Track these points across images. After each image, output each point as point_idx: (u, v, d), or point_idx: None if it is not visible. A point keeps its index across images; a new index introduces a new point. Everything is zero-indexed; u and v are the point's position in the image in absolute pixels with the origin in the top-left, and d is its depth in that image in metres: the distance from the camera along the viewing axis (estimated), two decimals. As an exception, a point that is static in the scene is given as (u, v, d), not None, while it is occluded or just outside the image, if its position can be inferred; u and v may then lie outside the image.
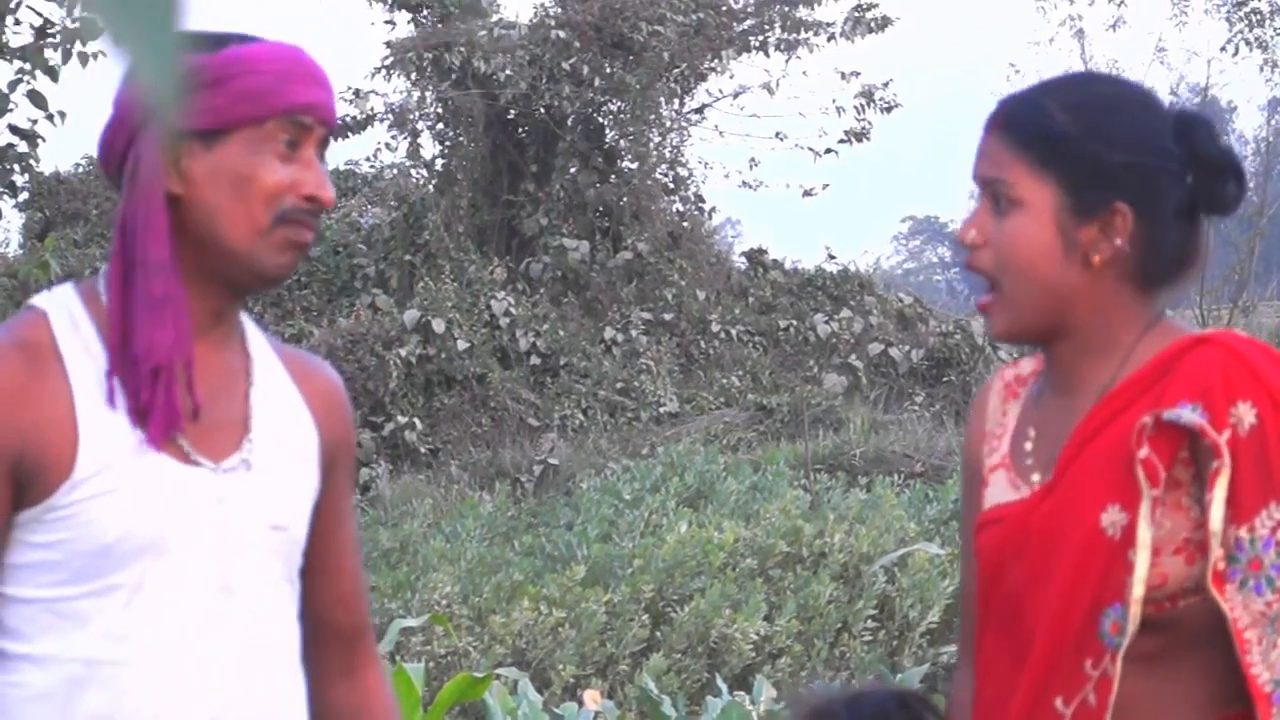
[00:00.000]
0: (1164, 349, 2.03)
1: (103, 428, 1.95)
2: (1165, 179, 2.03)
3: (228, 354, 2.07)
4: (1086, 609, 1.99)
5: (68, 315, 2.01)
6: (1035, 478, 2.11)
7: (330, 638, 2.22)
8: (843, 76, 18.93)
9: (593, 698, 6.30)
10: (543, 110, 17.76)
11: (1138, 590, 1.95)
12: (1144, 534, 1.95)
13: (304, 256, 2.05)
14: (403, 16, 18.22)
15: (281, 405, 2.11)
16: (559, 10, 17.91)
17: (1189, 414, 1.95)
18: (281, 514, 2.07)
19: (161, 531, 1.97)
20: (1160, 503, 1.96)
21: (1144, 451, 1.96)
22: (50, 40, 7.83)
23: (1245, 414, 1.94)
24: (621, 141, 18.12)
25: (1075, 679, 2.00)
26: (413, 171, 18.06)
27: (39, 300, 2.04)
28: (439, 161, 18.15)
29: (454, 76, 17.46)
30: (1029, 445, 2.14)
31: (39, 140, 7.98)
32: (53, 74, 7.84)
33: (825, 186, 19.76)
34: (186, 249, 1.99)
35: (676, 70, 18.13)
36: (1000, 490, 2.15)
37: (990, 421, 2.22)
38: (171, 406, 1.95)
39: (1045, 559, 2.04)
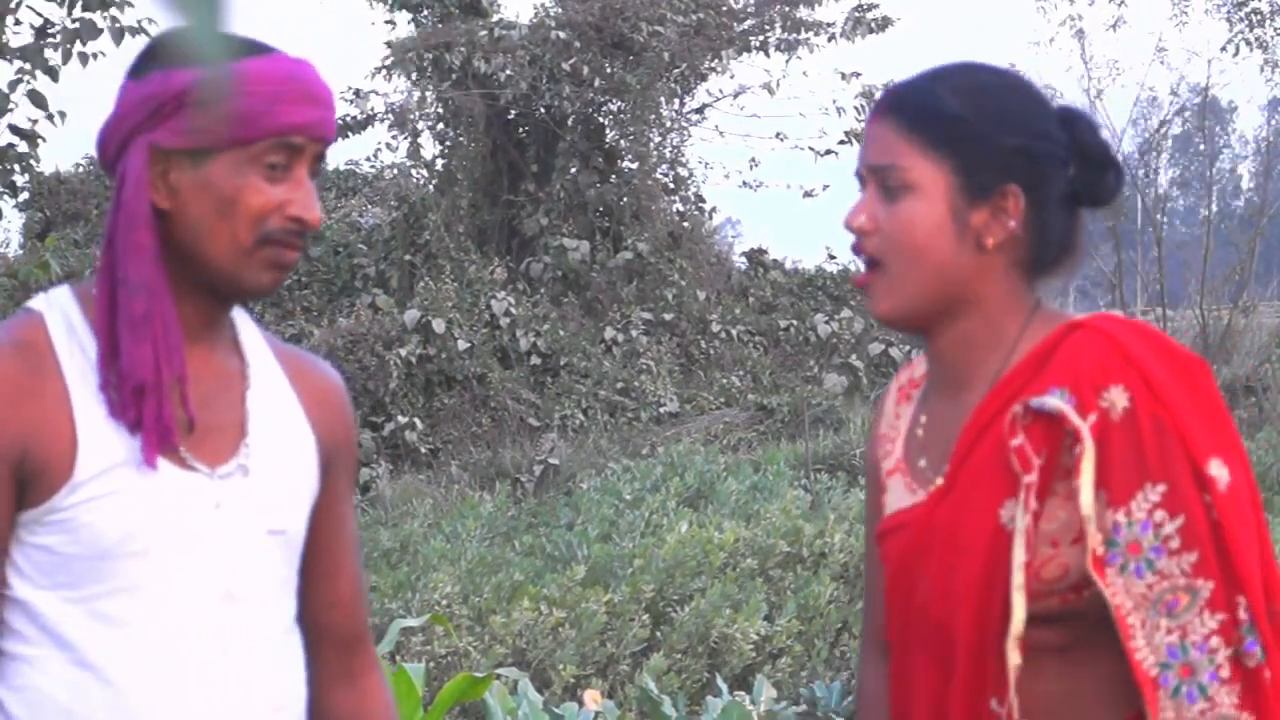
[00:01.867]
0: (1045, 337, 2.02)
1: (101, 431, 1.95)
2: (1052, 165, 2.02)
3: (222, 357, 2.06)
4: (1001, 606, 1.97)
5: (63, 317, 2.00)
6: (928, 481, 2.09)
7: (328, 641, 2.20)
8: (843, 77, 18.94)
9: (593, 698, 6.30)
10: (543, 110, 17.77)
11: (1017, 578, 1.93)
12: (1020, 521, 1.94)
13: (288, 274, 2.04)
14: (403, 16, 18.24)
15: (278, 407, 2.09)
16: (559, 10, 17.91)
17: (1054, 400, 1.94)
18: (280, 518, 2.06)
19: (160, 536, 1.96)
20: (1052, 493, 1.95)
21: (1017, 440, 1.95)
22: (50, 40, 7.82)
23: (1118, 398, 1.93)
24: (622, 141, 18.12)
25: (1004, 676, 1.97)
26: (413, 171, 18.07)
27: (35, 302, 2.04)
28: (439, 161, 18.16)
29: (454, 76, 17.46)
30: (919, 447, 2.12)
31: (39, 140, 7.98)
32: (53, 74, 7.83)
33: (826, 187, 19.77)
34: (173, 261, 1.98)
35: (677, 70, 18.14)
36: (898, 495, 2.13)
37: (885, 425, 2.20)
38: (162, 423, 1.95)
39: (952, 562, 2.01)
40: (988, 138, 2.01)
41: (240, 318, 2.12)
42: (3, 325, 2.02)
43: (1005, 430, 1.96)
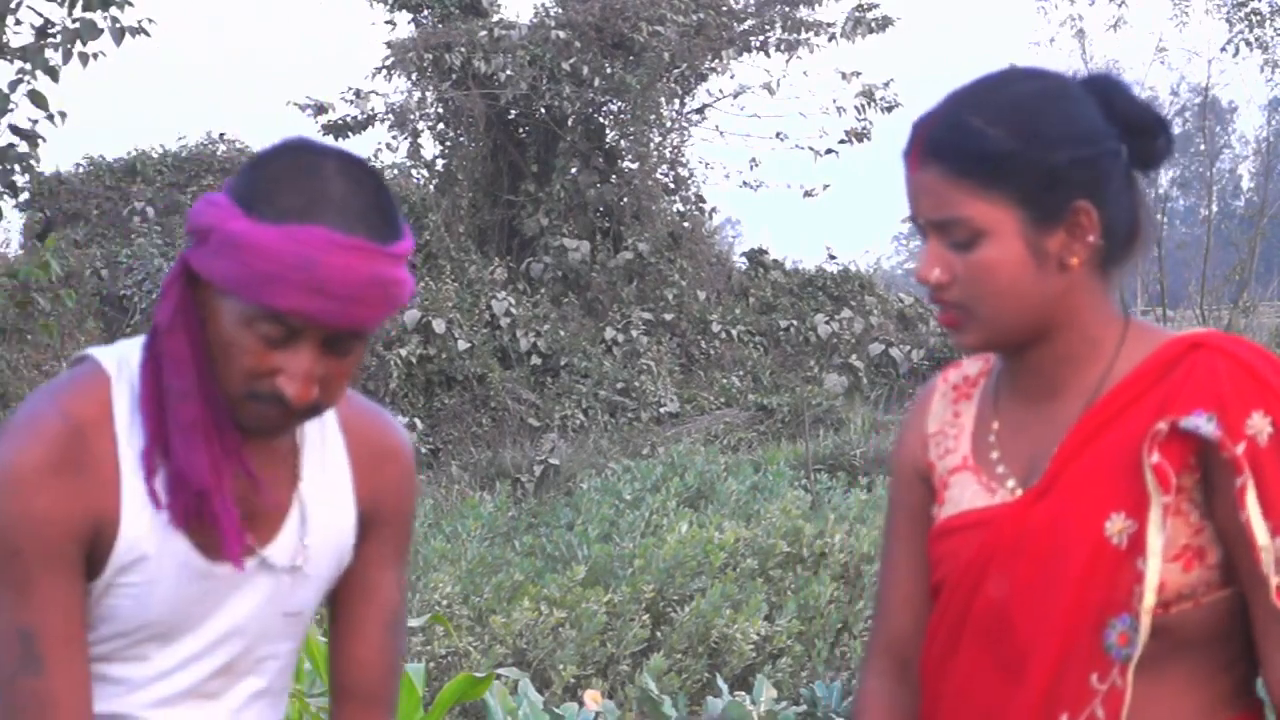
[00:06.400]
0: (1155, 350, 1.98)
1: (140, 514, 1.93)
2: (1109, 160, 1.96)
3: (272, 448, 2.02)
4: (1092, 620, 1.93)
5: (129, 385, 1.96)
6: (1011, 483, 2.03)
7: (343, 698, 2.20)
8: (843, 76, 18.94)
9: (593, 698, 6.29)
10: (543, 110, 17.77)
11: (1149, 599, 1.90)
12: (1155, 542, 1.90)
13: (291, 424, 1.97)
14: (403, 17, 18.25)
15: (322, 494, 2.06)
16: (559, 10, 17.91)
17: (1206, 425, 1.90)
18: (298, 602, 2.05)
19: (176, 622, 1.97)
20: (1166, 509, 1.91)
21: (1155, 458, 1.91)
22: (51, 40, 7.83)
23: (1261, 424, 1.90)
24: (622, 142, 18.13)
25: (1082, 694, 1.94)
26: (413, 171, 18.07)
27: (106, 360, 1.98)
28: (439, 161, 18.17)
29: (454, 77, 17.47)
30: (995, 449, 2.07)
31: (39, 140, 7.98)
32: (53, 74, 7.84)
33: (826, 186, 19.78)
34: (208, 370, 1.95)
35: (677, 70, 18.14)
36: (969, 494, 2.06)
37: (935, 422, 2.14)
38: (234, 526, 1.92)
39: (1042, 568, 1.96)
40: (1041, 162, 1.94)
41: None
42: (69, 384, 1.95)
43: (1144, 446, 1.92)
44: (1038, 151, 1.94)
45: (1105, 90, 1.99)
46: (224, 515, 1.91)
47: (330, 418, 2.08)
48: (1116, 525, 1.93)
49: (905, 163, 1.99)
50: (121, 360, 1.97)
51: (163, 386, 1.91)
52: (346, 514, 2.09)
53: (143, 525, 1.93)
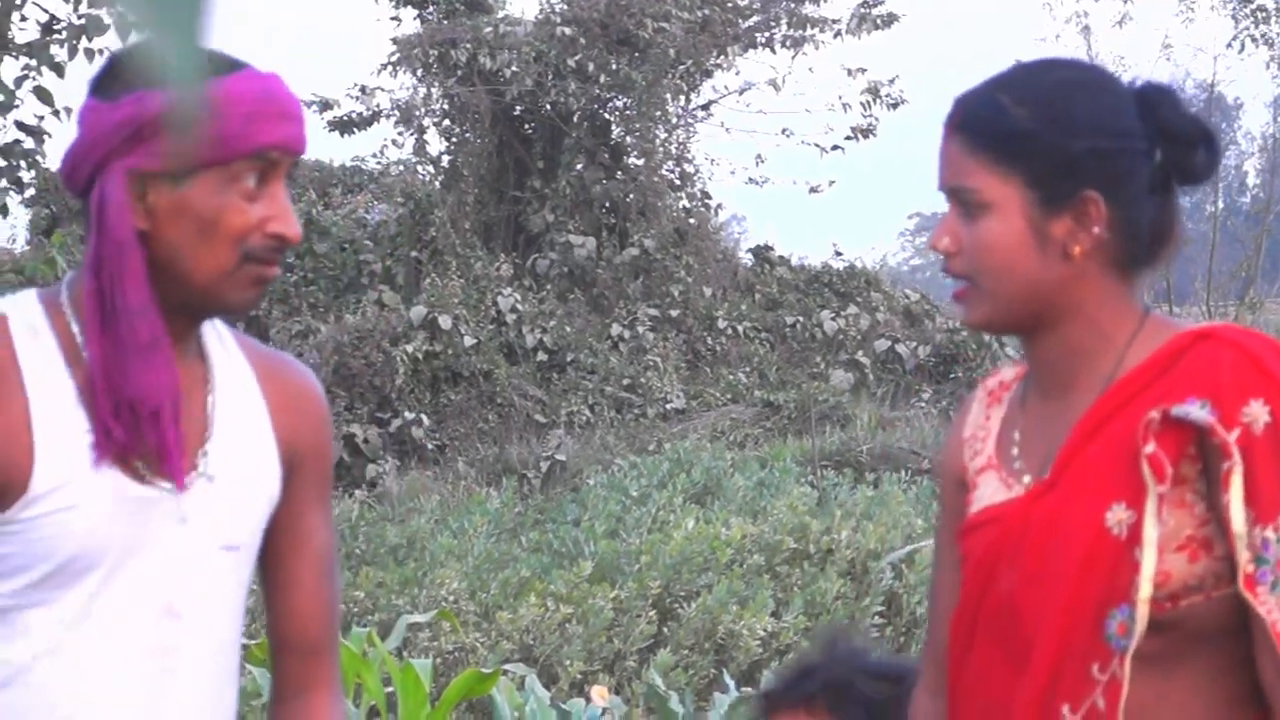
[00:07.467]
0: (1164, 343, 1.98)
1: (60, 444, 1.92)
2: (1132, 159, 1.98)
3: (187, 366, 2.04)
4: (1093, 611, 1.92)
5: (28, 325, 1.97)
6: (1026, 478, 2.05)
7: (285, 652, 2.19)
8: (849, 73, 18.94)
9: (600, 694, 6.29)
10: (549, 107, 17.77)
11: (1145, 590, 1.89)
12: (1150, 532, 1.89)
13: (268, 288, 2.03)
14: (409, 13, 18.24)
15: (241, 413, 2.08)
16: (565, 7, 17.91)
17: (1198, 411, 1.89)
18: (235, 532, 2.04)
19: (114, 552, 1.95)
20: (1165, 499, 1.91)
21: (1150, 447, 1.90)
22: (56, 36, 7.83)
23: (1259, 412, 1.89)
24: (628, 138, 18.12)
25: (1083, 685, 1.93)
26: (419, 168, 18.08)
27: (1, 305, 2.00)
28: (445, 158, 18.17)
29: (460, 73, 17.47)
30: (1015, 446, 2.09)
31: (45, 136, 7.99)
32: (59, 70, 7.84)
33: (832, 183, 19.80)
34: (152, 281, 1.96)
35: (682, 67, 18.14)
36: (990, 491, 2.09)
37: (971, 427, 2.18)
38: (175, 446, 1.94)
39: (1046, 559, 1.97)
40: (1057, 147, 1.97)
41: (209, 324, 2.09)
42: None
43: (1139, 435, 1.92)
44: (1056, 136, 1.98)
45: (1150, 96, 2.01)
46: (171, 432, 1.93)
47: (236, 353, 2.11)
48: (1117, 515, 1.94)
49: (942, 132, 2.06)
50: (15, 303, 2.00)
51: (113, 310, 1.92)
52: (266, 442, 2.10)
53: (59, 450, 1.92)
